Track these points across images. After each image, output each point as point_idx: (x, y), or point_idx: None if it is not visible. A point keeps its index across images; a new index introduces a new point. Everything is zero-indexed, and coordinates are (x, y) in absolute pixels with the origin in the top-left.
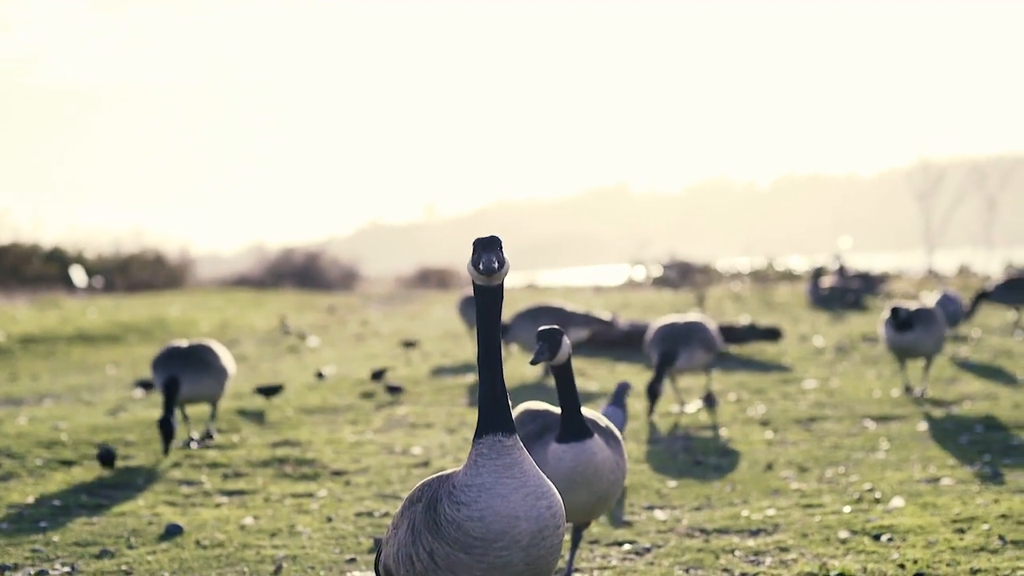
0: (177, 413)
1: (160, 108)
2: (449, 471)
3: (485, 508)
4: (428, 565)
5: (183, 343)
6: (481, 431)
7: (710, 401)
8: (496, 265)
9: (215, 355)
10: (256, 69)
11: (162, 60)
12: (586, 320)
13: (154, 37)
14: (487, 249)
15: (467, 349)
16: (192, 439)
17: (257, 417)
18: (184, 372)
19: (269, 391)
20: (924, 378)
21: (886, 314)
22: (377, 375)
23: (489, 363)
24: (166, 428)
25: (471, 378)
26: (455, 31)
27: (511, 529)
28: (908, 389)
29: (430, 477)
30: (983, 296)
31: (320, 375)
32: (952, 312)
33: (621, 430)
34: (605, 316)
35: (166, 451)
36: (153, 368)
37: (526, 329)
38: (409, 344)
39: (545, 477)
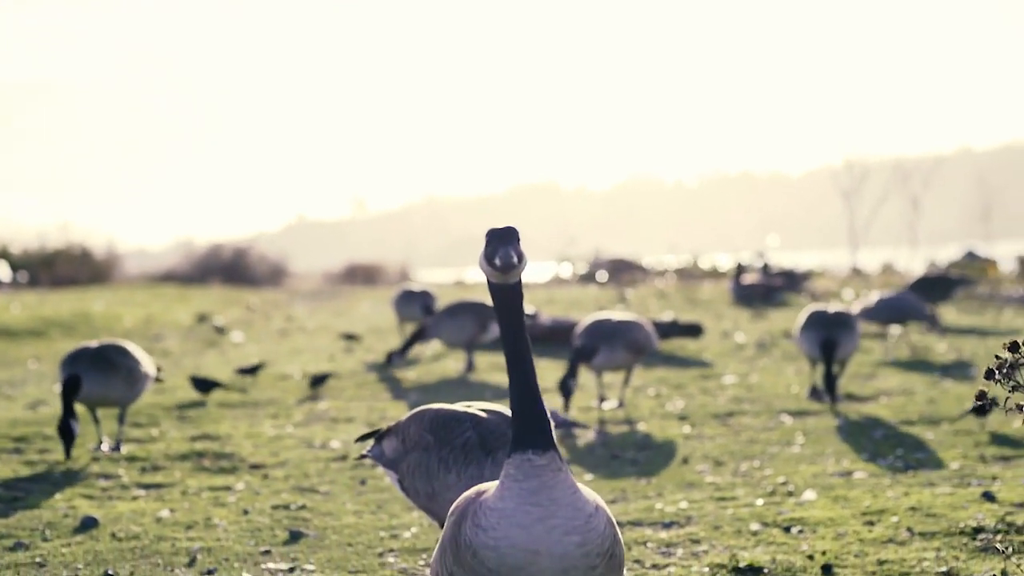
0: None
1: (86, 103)
2: (491, 485)
3: (502, 538)
4: None
5: (93, 343)
6: (512, 447)
7: (567, 391)
8: (515, 260)
9: (126, 356)
10: (183, 63)
11: (85, 55)
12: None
13: (76, 33)
14: (503, 241)
15: (391, 344)
16: (103, 442)
17: (177, 411)
18: (88, 372)
19: (249, 370)
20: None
21: (803, 318)
22: (318, 380)
23: (519, 370)
24: (65, 431)
25: (394, 372)
26: (382, 26)
27: (528, 565)
28: (816, 392)
29: (475, 488)
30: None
31: (244, 371)
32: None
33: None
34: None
35: (68, 455)
36: (60, 367)
37: (448, 327)
38: (350, 337)
39: (592, 507)
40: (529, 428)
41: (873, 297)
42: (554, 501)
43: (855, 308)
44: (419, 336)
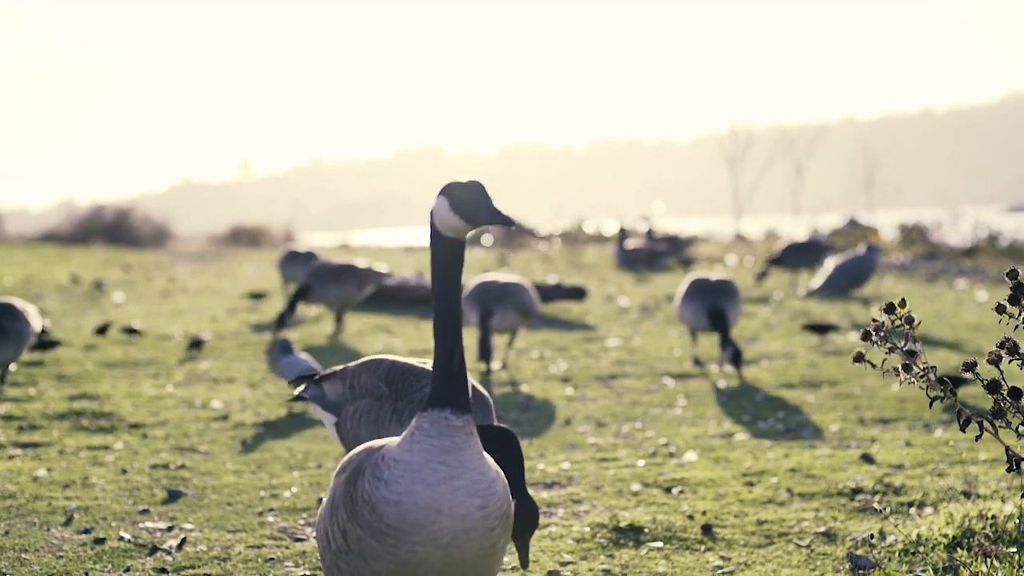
0: None
1: None
2: (388, 441)
3: (404, 492)
4: (342, 546)
5: None
6: (429, 404)
7: (486, 353)
8: (508, 215)
9: (16, 319)
10: (65, 17)
11: None
12: (374, 276)
13: None
14: (485, 196)
15: (275, 305)
16: None
17: (55, 370)
18: None
19: (46, 345)
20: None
21: (685, 287)
22: (196, 344)
23: (448, 327)
24: None
25: (278, 333)
26: None
27: (429, 523)
28: (699, 362)
29: (364, 445)
30: (775, 261)
31: (131, 330)
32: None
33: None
34: (383, 271)
35: None
36: None
37: (332, 290)
38: (257, 296)
39: (493, 472)
40: (451, 387)
41: (829, 267)
42: (462, 463)
43: (815, 284)
44: (301, 295)
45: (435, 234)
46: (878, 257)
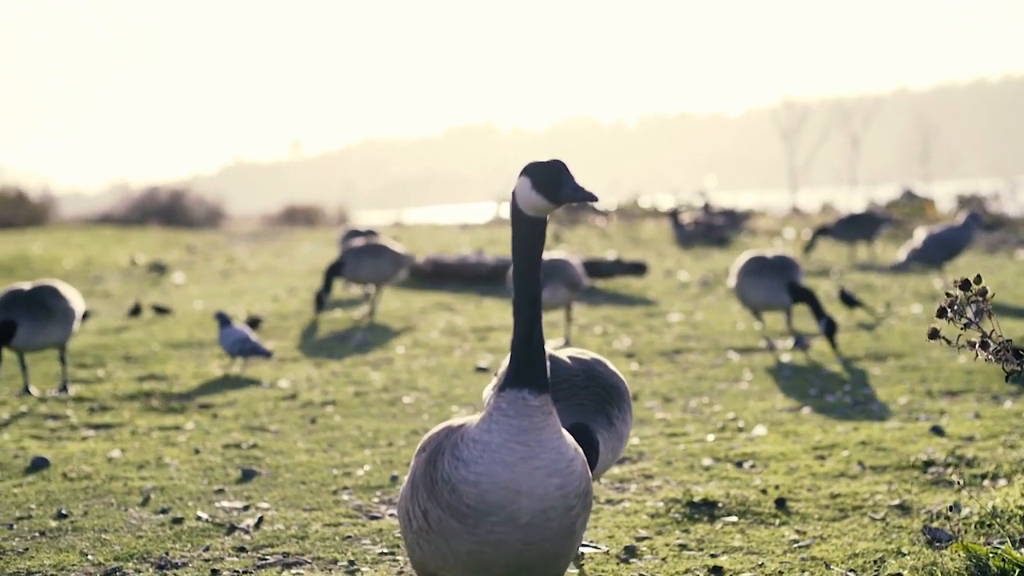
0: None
1: (15, 42)
2: (467, 420)
3: (483, 473)
4: (422, 525)
5: (26, 285)
6: (506, 383)
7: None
8: (591, 191)
9: (60, 298)
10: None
11: None
12: (408, 259)
13: None
14: (567, 174)
15: (336, 285)
16: (28, 390)
17: (123, 352)
18: (24, 318)
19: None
20: (790, 323)
21: (749, 266)
22: (252, 323)
23: (528, 305)
24: None
25: (338, 313)
26: None
27: (508, 503)
28: (772, 345)
29: (444, 424)
30: (823, 232)
31: (160, 309)
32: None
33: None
34: (467, 251)
35: None
36: None
37: (369, 265)
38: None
39: (572, 451)
40: (529, 367)
41: (919, 237)
42: (540, 443)
43: (901, 256)
44: (335, 272)
45: (516, 213)
46: (976, 226)
